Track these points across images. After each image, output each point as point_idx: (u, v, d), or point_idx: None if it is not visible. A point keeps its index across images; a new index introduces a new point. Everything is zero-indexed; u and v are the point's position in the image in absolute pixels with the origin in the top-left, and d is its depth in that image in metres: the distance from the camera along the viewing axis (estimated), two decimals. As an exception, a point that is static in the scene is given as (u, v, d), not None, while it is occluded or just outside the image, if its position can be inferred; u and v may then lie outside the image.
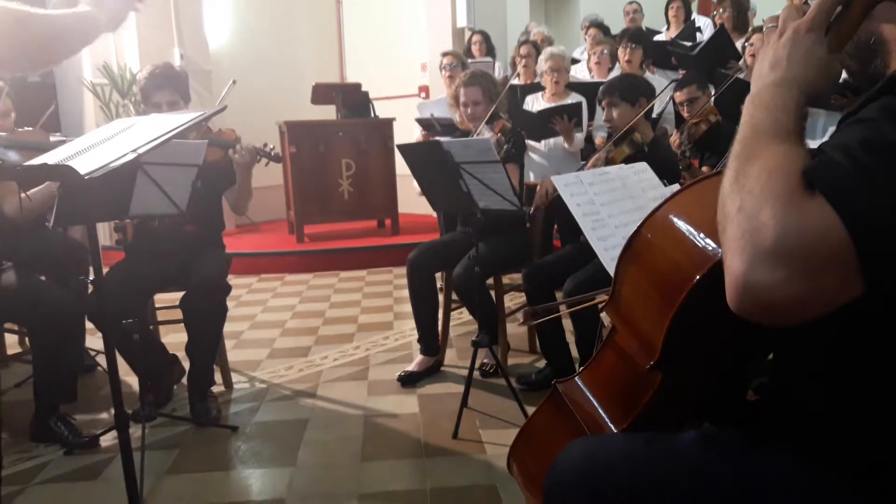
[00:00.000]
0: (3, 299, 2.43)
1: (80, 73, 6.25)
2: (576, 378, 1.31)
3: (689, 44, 4.92)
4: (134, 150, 1.44)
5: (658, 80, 4.43)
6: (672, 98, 4.02)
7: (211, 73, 6.68)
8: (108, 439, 2.48)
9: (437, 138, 2.85)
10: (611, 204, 1.81)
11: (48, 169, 1.51)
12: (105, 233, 5.68)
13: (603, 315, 1.23)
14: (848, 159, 0.69)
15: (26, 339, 3.24)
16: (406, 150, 2.64)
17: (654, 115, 3.97)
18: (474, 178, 2.47)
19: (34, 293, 2.48)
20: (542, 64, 4.25)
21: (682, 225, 1.07)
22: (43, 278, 2.99)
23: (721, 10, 4.98)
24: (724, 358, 1.18)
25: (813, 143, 3.09)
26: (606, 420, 1.23)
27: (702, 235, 1.02)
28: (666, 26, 5.78)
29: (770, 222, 0.67)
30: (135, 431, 2.34)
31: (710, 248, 0.98)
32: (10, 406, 2.88)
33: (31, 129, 3.04)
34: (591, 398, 1.27)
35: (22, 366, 3.15)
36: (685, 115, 3.62)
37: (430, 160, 2.54)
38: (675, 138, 3.63)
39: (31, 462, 2.38)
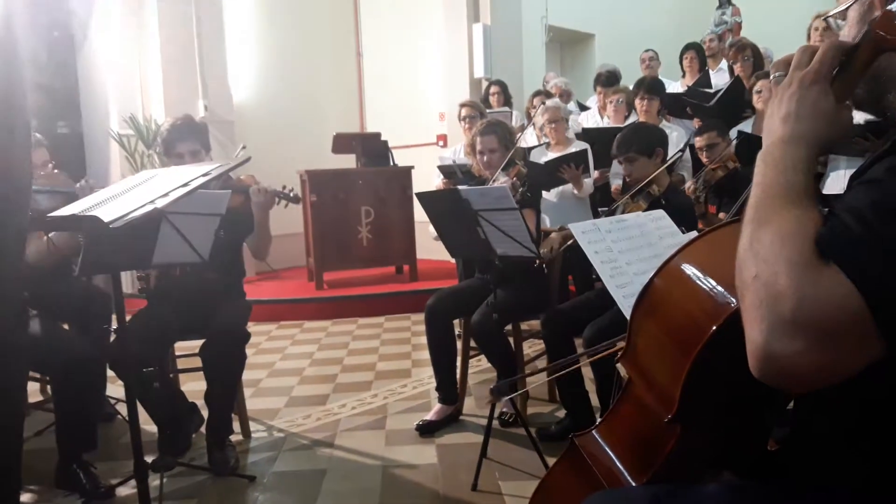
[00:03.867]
0: (28, 347, 2.46)
1: (106, 125, 6.43)
2: (593, 431, 1.30)
3: (710, 91, 4.96)
4: (152, 202, 1.47)
5: (675, 128, 4.47)
6: (688, 144, 4.05)
7: (234, 123, 6.84)
8: (127, 489, 2.47)
9: (457, 186, 2.88)
10: (629, 251, 1.81)
11: (75, 219, 1.55)
12: (127, 280, 5.75)
13: (619, 365, 1.22)
14: (859, 225, 0.69)
15: (48, 387, 3.26)
16: (425, 197, 2.67)
17: (669, 161, 4.00)
18: (492, 225, 2.49)
19: (57, 342, 2.51)
20: (540, 118, 4.35)
21: (695, 275, 1.07)
22: (66, 326, 3.03)
23: (740, 59, 5.01)
24: (743, 407, 1.16)
25: (835, 187, 3.06)
26: (625, 474, 1.21)
27: (716, 285, 1.01)
28: (682, 74, 5.84)
29: (787, 291, 0.67)
30: (153, 480, 2.35)
31: (725, 299, 0.97)
32: (33, 454, 2.88)
33: (58, 172, 3.12)
34: (610, 452, 1.25)
35: (43, 414, 3.16)
36: (704, 160, 3.64)
37: (448, 208, 2.57)
38: (690, 185, 3.65)
39: (51, 511, 2.37)
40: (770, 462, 1.11)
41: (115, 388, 3.12)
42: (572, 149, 4.13)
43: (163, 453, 2.40)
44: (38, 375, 3.27)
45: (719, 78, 5.57)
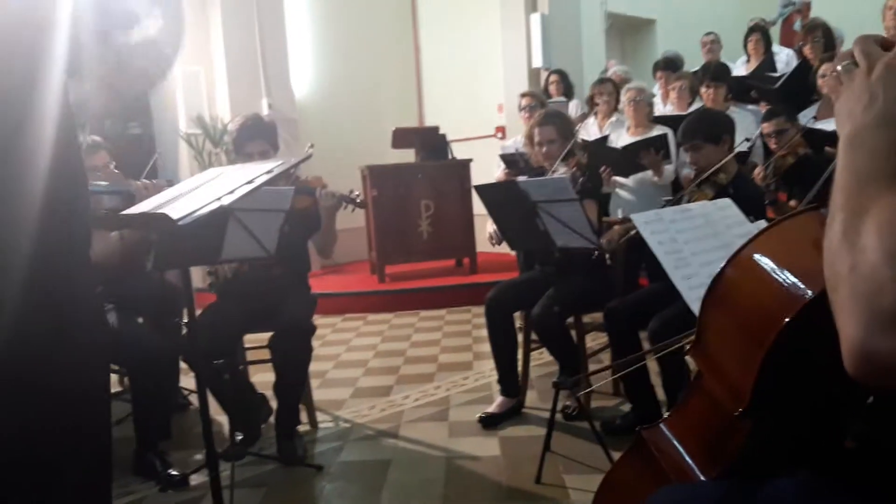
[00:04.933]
0: (108, 345, 2.58)
1: (175, 125, 6.65)
2: (661, 425, 1.28)
3: (775, 74, 4.79)
4: (218, 199, 1.52)
5: (741, 114, 4.33)
6: (760, 131, 3.92)
7: (297, 121, 6.98)
8: (200, 477, 2.56)
9: (516, 178, 2.87)
10: (694, 242, 1.76)
11: (147, 217, 1.61)
12: (198, 276, 5.95)
13: (688, 358, 1.19)
14: None
15: (125, 378, 3.40)
16: (483, 190, 2.67)
17: (744, 150, 3.87)
18: (551, 217, 2.47)
19: (132, 335, 2.62)
20: (623, 98, 4.25)
21: (768, 265, 1.04)
22: (141, 320, 3.16)
23: (810, 41, 4.82)
24: (818, 402, 1.12)
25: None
26: (695, 469, 1.18)
27: (790, 276, 0.98)
28: (745, 58, 5.65)
29: (890, 284, 0.63)
30: (224, 469, 2.43)
31: (799, 289, 0.94)
32: (113, 442, 3.02)
33: (117, 171, 3.25)
34: (678, 446, 1.23)
35: (122, 404, 3.31)
36: (772, 147, 3.52)
37: (506, 200, 2.56)
38: (759, 171, 3.53)
39: (129, 497, 2.48)
40: (848, 460, 1.07)
41: (189, 380, 3.24)
42: (653, 133, 4.01)
43: (233, 443, 2.48)
44: (116, 367, 3.42)
45: (785, 60, 5.38)
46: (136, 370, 2.63)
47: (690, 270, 1.71)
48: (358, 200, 2.88)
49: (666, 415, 1.30)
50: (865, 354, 0.63)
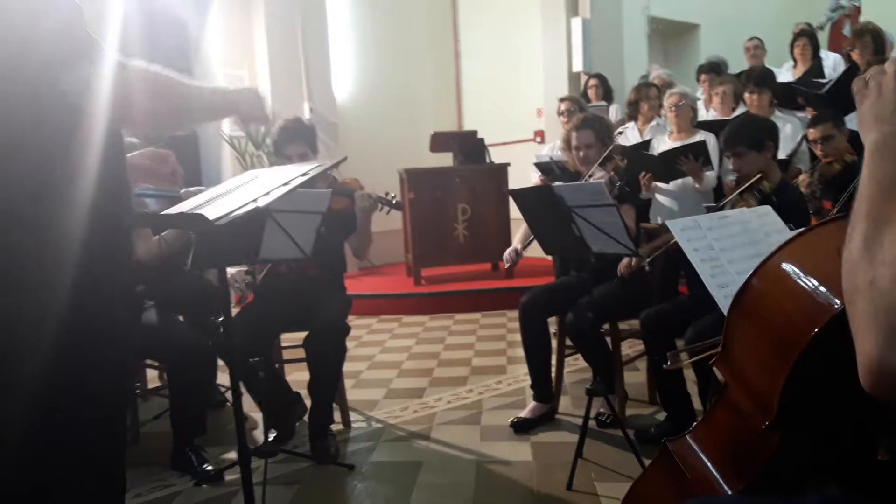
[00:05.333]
0: (143, 336, 2.65)
1: (218, 127, 6.78)
2: (687, 436, 1.26)
3: (823, 80, 4.67)
4: (254, 201, 1.55)
5: (788, 120, 4.24)
6: (804, 136, 3.83)
7: (337, 125, 7.06)
8: (234, 473, 2.60)
9: (551, 183, 2.86)
10: (731, 250, 1.73)
11: (184, 217, 1.65)
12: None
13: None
14: None
15: (165, 374, 3.48)
16: (518, 195, 2.66)
17: (785, 156, 3.78)
18: (587, 222, 2.45)
19: (171, 332, 2.68)
20: (665, 103, 4.19)
21: (795, 274, 1.02)
22: (181, 318, 3.23)
23: (858, 45, 4.69)
24: (848, 415, 1.09)
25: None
26: (720, 481, 1.16)
27: (818, 286, 0.96)
28: (792, 63, 5.53)
29: None
30: (258, 465, 2.47)
31: (828, 300, 0.92)
32: (150, 437, 3.10)
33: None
34: (704, 458, 1.21)
35: (161, 399, 3.39)
36: (818, 153, 3.44)
37: (541, 204, 2.55)
38: (804, 178, 3.44)
39: (166, 490, 2.53)
40: (879, 475, 1.04)
41: (226, 377, 3.30)
42: (695, 138, 3.95)
43: (267, 440, 2.51)
44: (156, 363, 3.50)
45: (832, 66, 5.25)
46: (174, 366, 2.69)
47: (727, 279, 1.68)
48: (394, 202, 2.91)
49: (693, 426, 1.28)
50: (882, 371, 0.62)
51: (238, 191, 1.74)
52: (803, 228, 1.11)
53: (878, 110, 0.79)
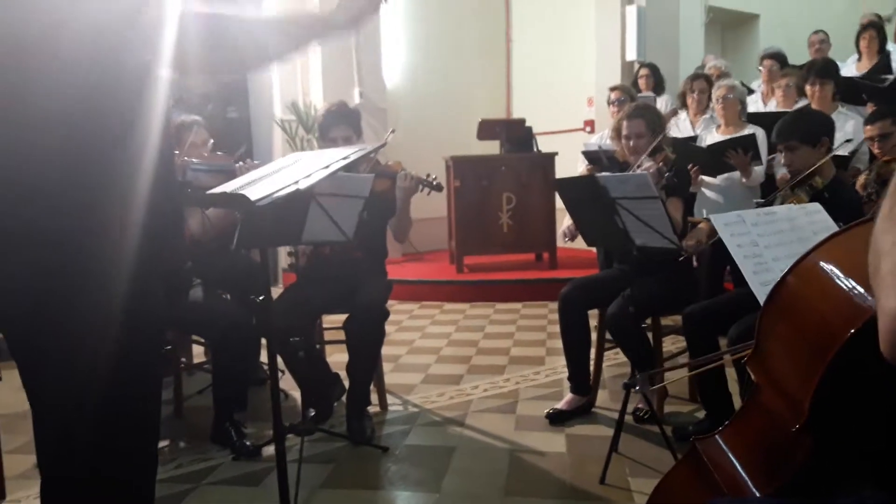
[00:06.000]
0: (190, 313, 2.72)
1: (270, 111, 6.89)
2: (716, 436, 1.24)
3: (890, 76, 4.48)
4: (295, 183, 1.57)
5: (851, 116, 4.08)
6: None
7: (386, 111, 7.09)
8: (272, 449, 2.66)
9: (597, 173, 2.82)
10: (776, 247, 1.69)
11: (226, 197, 1.69)
12: (285, 256, 6.16)
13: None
14: None
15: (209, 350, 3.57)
16: (562, 184, 2.64)
17: (846, 154, 3.65)
18: (631, 214, 2.41)
19: (215, 309, 2.75)
20: (714, 95, 4.10)
21: (832, 274, 0.99)
22: (228, 297, 3.31)
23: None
24: (880, 417, 1.06)
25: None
26: (749, 483, 1.14)
27: (855, 285, 0.93)
28: (857, 57, 5.31)
29: None
30: (295, 443, 2.53)
31: (865, 300, 0.89)
32: (194, 410, 3.19)
33: (220, 153, 3.37)
34: (733, 458, 1.19)
35: (205, 375, 3.48)
36: (876, 151, 3.31)
37: (585, 195, 2.52)
38: (862, 178, 3.32)
39: (205, 463, 2.61)
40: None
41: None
42: (744, 132, 3.86)
43: (304, 418, 2.56)
44: (200, 339, 3.60)
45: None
46: (218, 343, 2.76)
47: (770, 276, 1.64)
48: (434, 184, 2.92)
49: (724, 426, 1.25)
50: None
51: (281, 173, 1.77)
52: (842, 227, 1.08)
53: None
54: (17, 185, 1.10)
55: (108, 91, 1.13)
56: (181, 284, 2.83)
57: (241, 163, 3.05)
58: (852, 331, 0.89)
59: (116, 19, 1.13)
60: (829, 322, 0.94)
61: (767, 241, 1.70)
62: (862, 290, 0.91)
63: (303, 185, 1.59)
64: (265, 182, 1.70)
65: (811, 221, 1.77)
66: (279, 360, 2.89)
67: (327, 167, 1.65)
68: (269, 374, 1.85)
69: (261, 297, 1.86)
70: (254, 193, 1.58)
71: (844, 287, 0.95)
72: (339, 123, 2.97)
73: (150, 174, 1.17)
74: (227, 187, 1.75)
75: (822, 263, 1.01)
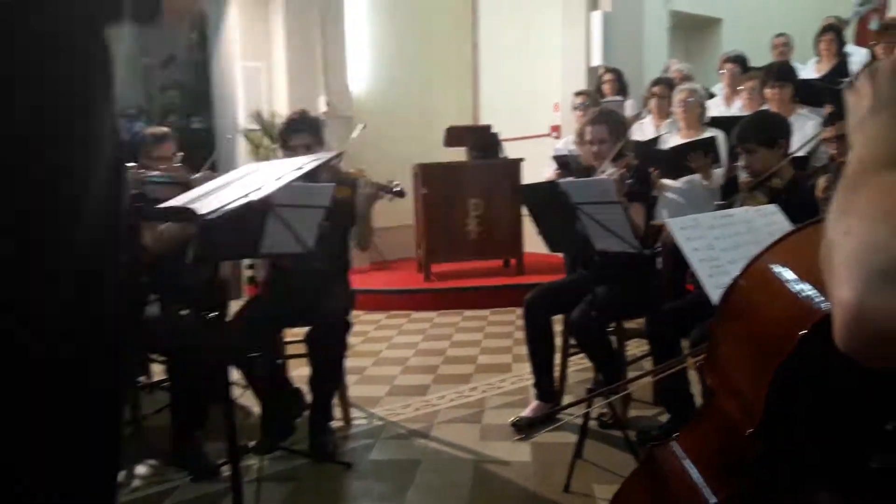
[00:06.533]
0: (145, 329, 2.64)
1: (235, 120, 6.80)
2: (672, 442, 1.21)
3: (848, 79, 4.54)
4: (246, 195, 1.52)
5: (811, 117, 4.13)
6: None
7: (352, 119, 7.03)
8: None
9: (560, 179, 2.81)
10: (732, 249, 1.68)
11: (174, 210, 1.63)
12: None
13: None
14: None
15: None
16: (525, 190, 2.62)
17: (804, 154, 3.69)
18: (592, 220, 2.40)
19: (172, 325, 2.68)
20: (675, 99, 4.12)
21: (783, 275, 0.97)
22: (186, 311, 3.22)
23: (882, 40, 4.56)
24: (837, 422, 1.04)
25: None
26: (705, 490, 1.12)
27: (807, 287, 0.91)
28: (816, 59, 5.40)
29: (888, 240, 0.57)
30: (255, 462, 2.46)
31: (816, 301, 0.87)
32: (153, 430, 3.10)
33: (179, 164, 3.30)
34: (689, 464, 1.17)
35: (165, 393, 3.38)
36: (833, 153, 3.34)
37: (547, 200, 2.51)
38: (822, 181, 3.35)
39: (163, 486, 2.53)
40: (871, 482, 0.99)
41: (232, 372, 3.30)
42: (704, 135, 3.89)
43: (264, 436, 2.50)
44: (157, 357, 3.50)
45: (859, 62, 5.10)
46: (175, 360, 2.68)
47: (726, 279, 1.61)
48: (396, 190, 2.88)
49: (679, 432, 1.23)
50: (857, 317, 0.57)
51: (234, 185, 1.72)
52: (795, 227, 1.07)
53: (858, 113, 0.77)
54: None
55: (63, 75, 1.10)
56: (137, 300, 2.75)
57: (198, 174, 2.98)
58: (802, 332, 0.87)
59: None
60: (780, 324, 0.92)
61: (724, 243, 1.69)
62: (812, 292, 0.89)
63: (254, 197, 1.54)
64: (216, 195, 1.65)
65: (767, 223, 1.77)
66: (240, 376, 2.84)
67: (279, 179, 1.60)
68: (222, 393, 1.79)
69: (211, 314, 1.80)
70: (203, 207, 1.53)
71: (795, 288, 0.93)
72: (299, 132, 2.92)
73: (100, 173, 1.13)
74: (178, 200, 1.69)
75: (772, 265, 0.99)
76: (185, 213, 1.57)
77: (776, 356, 0.92)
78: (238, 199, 1.61)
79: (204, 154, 4.42)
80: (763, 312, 0.99)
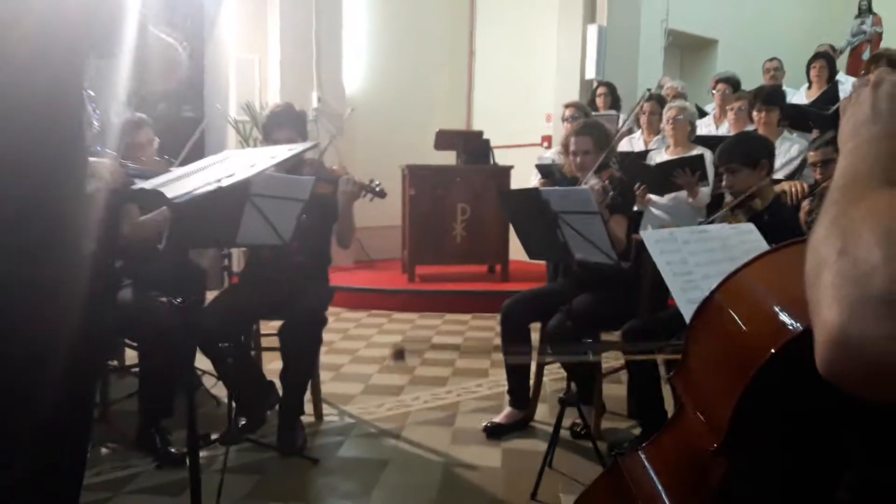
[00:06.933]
0: (117, 314, 2.61)
1: (225, 111, 6.76)
2: (639, 452, 1.21)
3: (832, 108, 4.59)
4: (218, 181, 1.50)
5: (796, 141, 4.16)
6: (805, 158, 3.76)
7: (343, 116, 7.02)
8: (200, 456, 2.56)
9: (539, 187, 2.81)
10: (707, 265, 1.68)
11: (143, 193, 1.61)
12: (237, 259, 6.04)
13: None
14: None
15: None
16: (505, 196, 2.62)
17: (785, 176, 3.72)
18: (572, 229, 2.40)
19: (144, 311, 2.65)
20: (664, 116, 4.14)
21: (758, 293, 0.97)
22: (164, 299, 3.19)
23: (872, 71, 4.60)
24: (803, 446, 1.04)
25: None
26: (667, 502, 1.11)
27: (781, 305, 0.91)
28: (807, 85, 5.45)
29: (881, 266, 0.54)
30: (223, 452, 2.44)
31: (789, 321, 0.87)
32: (121, 415, 3.06)
33: (165, 157, 3.29)
34: (654, 476, 1.16)
35: (135, 378, 3.35)
36: (817, 177, 3.36)
37: (528, 207, 2.50)
38: (806, 205, 3.37)
39: (126, 471, 2.50)
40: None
41: (203, 360, 3.26)
42: (692, 153, 3.90)
43: (230, 427, 2.48)
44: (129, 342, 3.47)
45: (849, 90, 5.15)
46: (146, 346, 2.65)
47: (699, 294, 1.62)
48: (377, 189, 2.87)
49: (646, 442, 1.23)
50: (842, 342, 0.55)
51: (207, 170, 1.70)
52: (773, 246, 1.07)
53: (854, 121, 0.76)
54: None
55: (62, 88, 1.11)
56: (110, 284, 2.72)
57: (175, 166, 2.96)
58: (773, 350, 0.87)
59: (69, 17, 1.10)
60: (752, 340, 0.92)
61: (698, 259, 1.69)
62: (787, 311, 0.89)
63: (224, 183, 1.52)
64: (188, 179, 1.63)
65: (742, 241, 1.77)
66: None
67: (253, 166, 1.58)
68: (186, 380, 1.77)
69: (179, 300, 1.78)
70: (172, 191, 1.51)
71: (769, 306, 0.93)
72: (283, 125, 2.91)
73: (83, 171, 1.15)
74: (149, 184, 1.67)
75: (749, 282, 0.99)
76: (154, 196, 1.55)
77: (746, 373, 0.91)
78: (209, 184, 1.59)
79: (195, 143, 4.39)
80: (736, 328, 0.98)
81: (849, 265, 0.57)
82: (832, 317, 0.56)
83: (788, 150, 4.00)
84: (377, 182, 2.89)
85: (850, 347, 0.54)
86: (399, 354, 2.05)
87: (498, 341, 4.46)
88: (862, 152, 0.71)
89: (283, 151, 1.69)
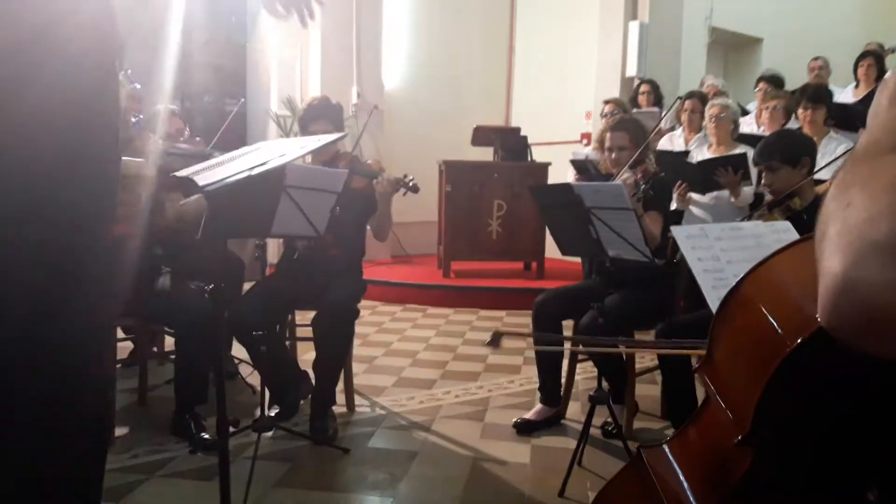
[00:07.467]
0: (155, 302, 2.68)
1: (267, 105, 6.87)
2: (663, 446, 1.19)
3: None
4: (250, 170, 1.53)
5: (842, 141, 4.05)
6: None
7: (383, 111, 7.06)
8: (233, 443, 2.61)
9: (569, 182, 2.79)
10: (738, 263, 1.65)
11: (177, 180, 1.65)
12: (273, 249, 6.12)
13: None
14: None
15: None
16: (538, 191, 2.61)
17: (828, 175, 3.62)
18: (605, 225, 2.37)
19: (181, 299, 2.71)
20: (706, 114, 4.07)
21: (786, 282, 0.95)
22: (203, 287, 3.26)
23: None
24: (832, 442, 1.01)
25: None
26: (691, 497, 1.10)
27: (808, 295, 0.89)
28: (855, 84, 5.30)
29: (888, 211, 0.53)
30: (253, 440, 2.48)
31: (816, 311, 0.85)
32: (159, 400, 3.14)
33: (198, 139, 3.38)
34: (678, 470, 1.15)
35: (171, 366, 3.43)
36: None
37: (561, 203, 2.48)
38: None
39: (161, 455, 2.56)
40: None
41: (239, 349, 3.33)
42: (735, 151, 3.83)
43: (263, 414, 2.52)
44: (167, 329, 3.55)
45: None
46: (182, 334, 2.71)
47: (730, 292, 1.60)
48: (411, 185, 2.88)
49: (671, 436, 1.22)
50: (844, 290, 0.54)
51: (239, 160, 1.73)
52: (804, 236, 1.04)
53: (874, 108, 0.74)
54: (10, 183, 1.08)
55: (100, 90, 1.13)
56: (148, 271, 2.79)
57: (216, 151, 3.02)
58: (800, 340, 0.85)
59: (108, 16, 1.12)
60: (778, 330, 0.90)
61: (730, 256, 1.66)
62: (814, 301, 0.87)
63: (255, 172, 1.55)
64: (220, 168, 1.67)
65: (778, 240, 1.73)
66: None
67: (283, 155, 1.61)
68: (216, 366, 1.81)
69: (209, 287, 1.81)
70: (203, 179, 1.55)
71: (797, 296, 0.91)
72: (319, 118, 2.94)
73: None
74: (183, 172, 1.71)
75: (777, 271, 0.97)
76: (187, 184, 1.59)
77: (772, 361, 0.89)
78: (240, 172, 1.62)
79: (236, 135, 4.48)
80: (762, 317, 0.96)
81: (853, 214, 0.56)
82: (835, 264, 0.55)
83: (835, 149, 3.89)
84: (411, 177, 2.90)
85: (854, 295, 0.53)
86: (495, 339, 2.06)
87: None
88: (881, 121, 0.69)
89: (312, 141, 1.71)
